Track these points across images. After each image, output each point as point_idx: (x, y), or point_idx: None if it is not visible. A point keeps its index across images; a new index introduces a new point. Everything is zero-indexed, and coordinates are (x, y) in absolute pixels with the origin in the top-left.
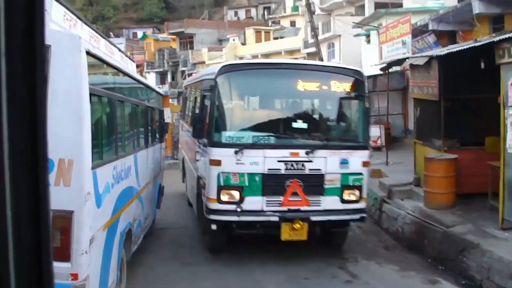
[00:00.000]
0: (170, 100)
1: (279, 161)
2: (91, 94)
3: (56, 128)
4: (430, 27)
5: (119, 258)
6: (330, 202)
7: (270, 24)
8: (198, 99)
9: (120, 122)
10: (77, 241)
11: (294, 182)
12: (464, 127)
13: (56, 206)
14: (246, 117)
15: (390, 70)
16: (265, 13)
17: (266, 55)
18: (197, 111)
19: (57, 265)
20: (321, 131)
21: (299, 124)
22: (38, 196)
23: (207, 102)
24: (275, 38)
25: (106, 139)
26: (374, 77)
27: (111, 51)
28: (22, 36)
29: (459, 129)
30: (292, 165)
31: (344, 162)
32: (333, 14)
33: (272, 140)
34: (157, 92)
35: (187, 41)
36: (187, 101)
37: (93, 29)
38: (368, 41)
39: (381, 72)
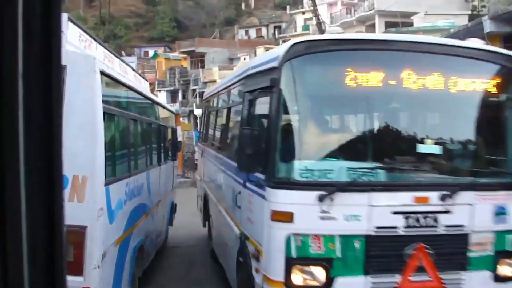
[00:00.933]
0: (181, 119)
1: (395, 212)
2: (104, 113)
3: (71, 145)
4: None
5: (131, 273)
6: (477, 281)
7: (280, 43)
8: (240, 110)
9: (133, 140)
10: (90, 255)
11: (420, 250)
12: None
13: (69, 222)
14: (336, 135)
15: None
16: (276, 32)
17: None
18: (233, 127)
19: (70, 279)
20: (464, 159)
21: (429, 147)
22: (53, 213)
23: (263, 111)
24: None
25: (119, 157)
26: None
27: (125, 70)
28: (39, 57)
29: None
30: (417, 220)
31: (501, 212)
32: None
33: (383, 175)
34: (170, 111)
35: (198, 59)
36: (213, 117)
37: (107, 49)
38: None
39: None
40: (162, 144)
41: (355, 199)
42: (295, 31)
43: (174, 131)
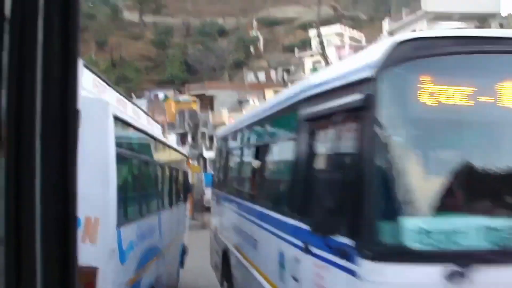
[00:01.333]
0: (190, 161)
1: None
2: (117, 156)
3: (84, 187)
4: None
5: None
6: None
7: (289, 85)
8: (292, 146)
9: (145, 182)
10: None
11: None
12: None
13: (82, 262)
14: (467, 178)
15: None
16: (284, 75)
17: None
18: (279, 169)
19: None
20: None
21: None
22: (67, 254)
23: (343, 145)
24: None
25: (131, 199)
26: None
27: (137, 114)
28: (56, 103)
29: None
30: None
31: None
32: None
33: None
34: (181, 153)
35: (207, 102)
36: (236, 157)
37: (120, 94)
38: None
39: None
40: (174, 187)
41: (509, 277)
42: (304, 73)
43: (185, 174)
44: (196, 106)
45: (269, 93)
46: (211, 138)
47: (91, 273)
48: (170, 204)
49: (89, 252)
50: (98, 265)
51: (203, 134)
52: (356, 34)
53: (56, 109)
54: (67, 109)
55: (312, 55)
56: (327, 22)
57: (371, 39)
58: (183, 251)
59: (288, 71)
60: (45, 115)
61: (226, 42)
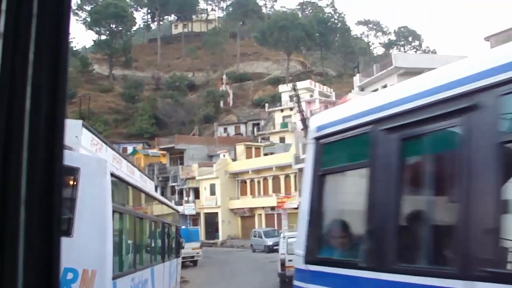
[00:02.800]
0: None
1: None
2: (114, 212)
3: (81, 241)
4: None
5: None
6: None
7: (259, 140)
8: None
9: (139, 237)
10: None
11: None
12: None
13: None
14: None
15: None
16: (255, 129)
17: (258, 171)
18: None
19: None
20: None
21: None
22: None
23: None
24: (265, 154)
25: (127, 253)
26: None
27: (132, 171)
28: (43, 161)
29: None
30: None
31: None
32: None
33: None
34: (174, 209)
35: (177, 156)
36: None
37: (116, 151)
38: None
39: None
40: (166, 241)
41: None
42: (274, 128)
43: (177, 229)
44: (165, 160)
45: (239, 148)
46: (180, 192)
47: None
48: (163, 259)
49: None
50: None
51: (172, 188)
52: (325, 89)
53: (42, 170)
54: (53, 169)
55: (282, 110)
56: (297, 78)
57: (340, 94)
58: None
59: (258, 125)
60: (29, 176)
61: (196, 97)
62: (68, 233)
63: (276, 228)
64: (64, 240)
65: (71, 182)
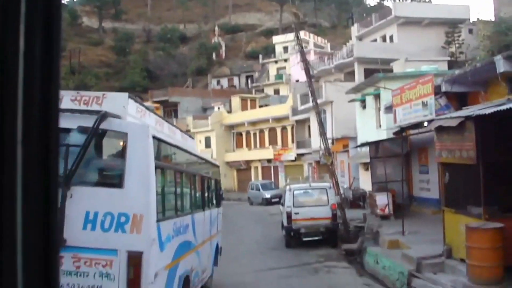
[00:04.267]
0: None
1: None
2: (156, 168)
3: (131, 191)
4: (443, 89)
5: None
6: None
7: (254, 92)
8: None
9: (179, 188)
10: (145, 274)
11: None
12: (505, 192)
13: (130, 248)
14: None
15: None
16: (248, 81)
17: (254, 123)
18: None
19: None
20: None
21: None
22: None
23: None
24: (260, 106)
25: (168, 201)
26: (376, 143)
27: (173, 131)
28: (38, 125)
29: (497, 194)
30: None
31: None
32: (321, 81)
33: None
34: (214, 164)
35: (171, 109)
36: None
37: (158, 115)
38: (364, 106)
39: (383, 138)
40: (206, 193)
41: None
42: (268, 80)
43: (217, 182)
44: (159, 113)
45: (235, 100)
46: None
47: (137, 256)
48: (203, 207)
49: (135, 240)
50: (143, 250)
51: None
52: (320, 40)
53: (37, 133)
54: (48, 132)
55: (276, 62)
56: (290, 29)
57: (334, 45)
58: (217, 251)
59: (251, 78)
60: (25, 138)
61: (188, 49)
62: (120, 185)
63: (273, 180)
64: (117, 191)
65: (122, 144)
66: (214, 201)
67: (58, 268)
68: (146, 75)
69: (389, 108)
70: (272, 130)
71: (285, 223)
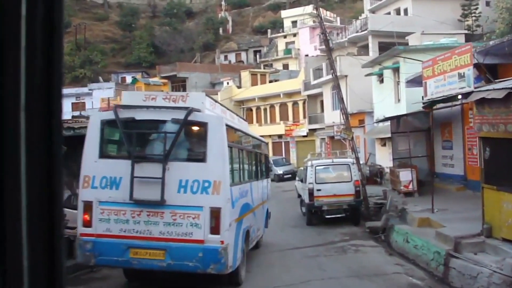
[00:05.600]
0: None
1: None
2: (228, 147)
3: (211, 164)
4: (475, 61)
5: (243, 245)
6: None
7: (262, 67)
8: None
9: (242, 162)
10: (223, 223)
11: None
12: None
13: (212, 205)
14: None
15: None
16: (257, 56)
17: (264, 98)
18: None
19: (212, 237)
20: None
21: None
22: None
23: None
24: (270, 81)
25: (236, 172)
26: (397, 118)
27: (233, 116)
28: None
29: None
30: None
31: None
32: (334, 55)
33: None
34: (262, 141)
35: (179, 85)
36: None
37: (223, 106)
38: (381, 80)
39: (403, 113)
40: (259, 166)
41: None
42: (277, 55)
43: (266, 157)
44: (167, 89)
45: (244, 75)
46: None
47: (217, 211)
48: (257, 178)
49: (216, 199)
50: (221, 206)
51: None
52: (328, 14)
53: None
54: (51, 125)
55: (285, 36)
56: (297, 3)
57: (343, 19)
58: (267, 215)
59: (259, 53)
60: (29, 145)
61: (194, 24)
62: (204, 160)
63: (284, 156)
64: (201, 165)
65: (203, 131)
66: (264, 173)
67: (63, 268)
68: (152, 51)
69: (411, 82)
70: (283, 105)
71: (306, 200)
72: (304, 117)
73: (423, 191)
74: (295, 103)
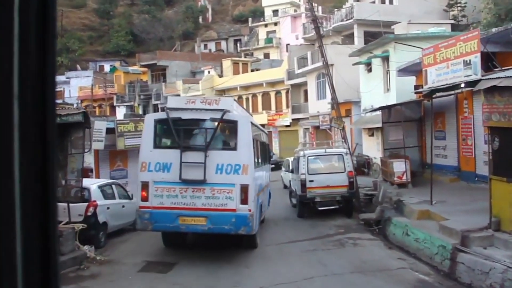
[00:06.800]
0: None
1: None
2: (252, 139)
3: (241, 152)
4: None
5: (259, 215)
6: None
7: (243, 56)
8: None
9: (257, 150)
10: (250, 196)
11: None
12: None
13: (242, 182)
14: None
15: (405, 99)
16: (237, 45)
17: (246, 87)
18: None
19: (241, 207)
20: None
21: None
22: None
23: None
24: (252, 70)
25: (256, 158)
26: (388, 108)
27: (245, 112)
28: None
29: None
30: None
31: None
32: (317, 44)
33: None
34: (264, 132)
35: (159, 73)
36: None
37: (241, 107)
38: (369, 70)
39: (393, 102)
40: (264, 153)
41: None
42: (258, 44)
43: (268, 145)
44: (147, 78)
45: (226, 63)
46: (163, 111)
47: (245, 187)
48: (264, 163)
49: (245, 178)
50: (249, 183)
51: (155, 106)
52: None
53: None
54: (44, 118)
55: (266, 25)
56: None
57: (325, 8)
58: (270, 195)
59: (239, 42)
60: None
61: (174, 12)
62: (235, 149)
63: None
64: (233, 152)
65: (234, 127)
66: (268, 159)
67: (58, 268)
68: (131, 39)
69: (403, 71)
70: (265, 95)
71: (298, 192)
72: (287, 106)
73: (416, 182)
74: (278, 93)
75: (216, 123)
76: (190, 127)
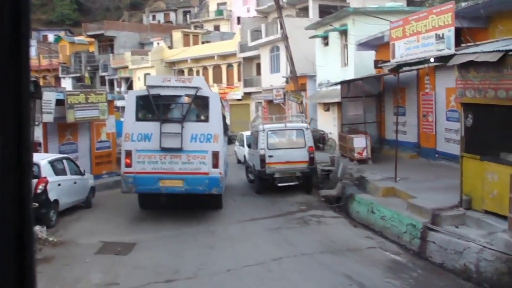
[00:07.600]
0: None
1: None
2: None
3: (212, 123)
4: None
5: (225, 178)
6: None
7: (193, 28)
8: None
9: (224, 124)
10: (220, 161)
11: None
12: None
13: (213, 149)
14: None
15: (364, 74)
16: (187, 17)
17: (197, 60)
18: None
19: (214, 170)
20: None
21: None
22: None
23: None
24: (202, 43)
25: (224, 130)
26: (347, 83)
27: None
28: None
29: None
30: None
31: None
32: (271, 17)
33: None
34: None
35: (106, 44)
36: None
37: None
38: (326, 43)
39: (351, 77)
40: (225, 126)
41: None
42: (208, 16)
43: (225, 117)
44: (93, 48)
45: (176, 35)
46: (111, 83)
47: (216, 153)
48: (226, 134)
49: (215, 146)
50: (219, 150)
51: (102, 78)
52: None
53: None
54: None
55: None
56: None
57: None
58: (227, 165)
59: (189, 13)
60: None
61: None
62: (207, 121)
63: None
64: (206, 124)
65: (206, 102)
66: (226, 132)
67: (34, 268)
68: (76, 8)
69: (363, 45)
70: (216, 68)
71: (257, 167)
72: (239, 80)
73: (375, 159)
74: (229, 66)
75: (191, 99)
76: (168, 102)
